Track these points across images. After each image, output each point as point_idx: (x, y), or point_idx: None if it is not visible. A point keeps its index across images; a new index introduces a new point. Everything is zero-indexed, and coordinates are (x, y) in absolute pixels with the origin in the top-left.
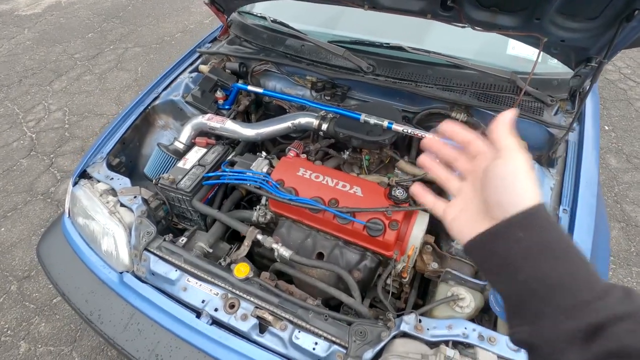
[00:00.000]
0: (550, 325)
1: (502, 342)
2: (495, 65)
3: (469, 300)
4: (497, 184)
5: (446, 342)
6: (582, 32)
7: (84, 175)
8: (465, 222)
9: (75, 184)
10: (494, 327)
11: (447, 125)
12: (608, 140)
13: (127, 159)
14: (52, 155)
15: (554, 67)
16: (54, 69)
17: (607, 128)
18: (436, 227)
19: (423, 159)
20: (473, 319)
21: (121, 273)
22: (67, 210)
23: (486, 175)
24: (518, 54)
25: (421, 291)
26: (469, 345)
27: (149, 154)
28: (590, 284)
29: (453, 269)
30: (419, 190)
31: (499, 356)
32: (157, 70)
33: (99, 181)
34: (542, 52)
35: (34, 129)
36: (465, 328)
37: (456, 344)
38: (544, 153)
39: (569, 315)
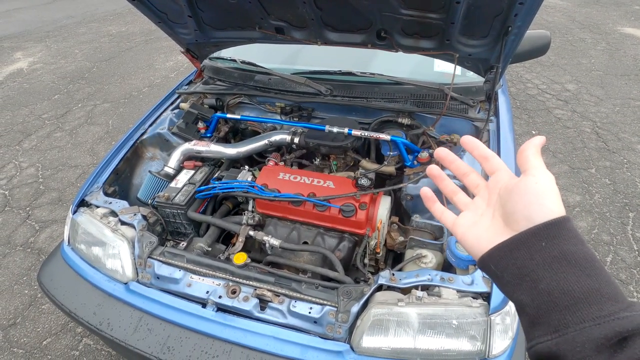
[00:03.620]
0: (575, 333)
1: (458, 280)
2: (426, 80)
3: (431, 257)
4: (528, 200)
5: (416, 287)
6: (481, 47)
7: (82, 204)
8: (481, 234)
9: (74, 212)
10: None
11: (468, 139)
12: None
13: (119, 189)
14: (28, 209)
15: (471, 78)
16: (21, 130)
17: (534, 132)
18: (398, 209)
19: (434, 168)
20: None
21: (126, 284)
22: (66, 238)
23: (515, 191)
24: (442, 70)
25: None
26: (434, 287)
27: (139, 183)
28: (615, 298)
29: (415, 237)
30: (427, 195)
31: (457, 290)
32: (129, 122)
33: (97, 207)
34: (457, 66)
35: (6, 186)
36: (429, 274)
37: (424, 287)
38: None
39: (596, 323)
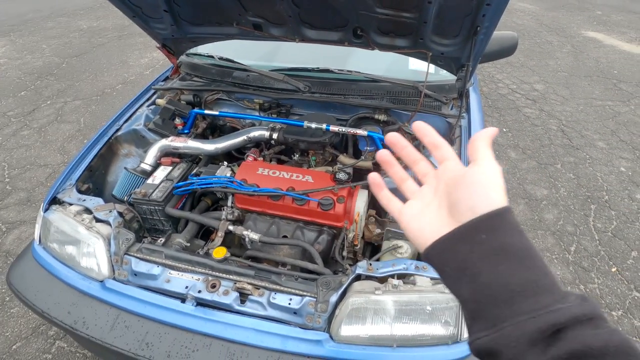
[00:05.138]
0: (511, 327)
1: (431, 269)
2: (401, 78)
3: (406, 248)
4: (473, 189)
5: (392, 276)
6: (452, 46)
7: (54, 202)
8: (426, 224)
9: (46, 210)
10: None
11: (419, 124)
12: (507, 139)
13: (93, 186)
14: None
15: (444, 76)
16: None
17: (505, 130)
18: (375, 202)
19: (383, 153)
20: None
21: (102, 281)
22: (37, 237)
23: (461, 180)
24: (417, 68)
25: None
26: (409, 275)
27: (114, 180)
28: (551, 290)
29: (392, 228)
30: (376, 181)
31: (431, 278)
32: (102, 120)
33: (71, 204)
34: (431, 64)
35: None
36: (405, 263)
37: (400, 276)
38: (446, 137)
39: (530, 317)
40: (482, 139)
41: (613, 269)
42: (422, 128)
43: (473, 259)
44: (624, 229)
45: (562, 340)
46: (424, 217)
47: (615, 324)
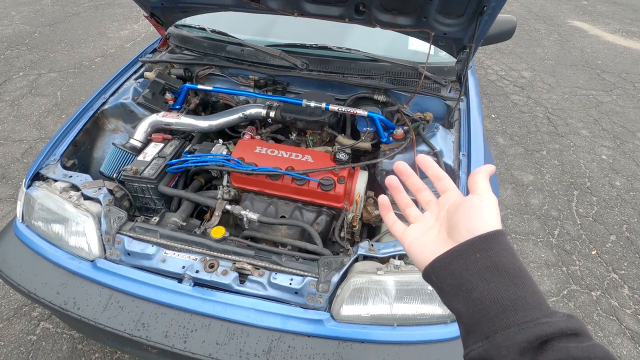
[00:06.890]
0: (502, 338)
1: None
2: (401, 58)
3: None
4: (471, 213)
5: (393, 257)
6: (455, 26)
7: (37, 178)
8: (426, 245)
9: (28, 187)
10: None
11: (423, 158)
12: (495, 125)
13: (79, 162)
14: None
15: (444, 58)
16: None
17: (493, 116)
18: (373, 184)
19: (392, 179)
20: None
21: (93, 261)
22: (19, 215)
23: (461, 206)
24: (417, 49)
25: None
26: None
27: (100, 157)
28: (539, 306)
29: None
30: (384, 204)
31: None
32: (81, 94)
33: (56, 180)
34: (432, 45)
35: None
36: None
37: (401, 257)
38: (445, 120)
39: (520, 329)
40: (482, 173)
41: (593, 252)
42: (425, 161)
43: (468, 276)
44: (604, 214)
45: (548, 351)
46: (425, 239)
47: (594, 303)
